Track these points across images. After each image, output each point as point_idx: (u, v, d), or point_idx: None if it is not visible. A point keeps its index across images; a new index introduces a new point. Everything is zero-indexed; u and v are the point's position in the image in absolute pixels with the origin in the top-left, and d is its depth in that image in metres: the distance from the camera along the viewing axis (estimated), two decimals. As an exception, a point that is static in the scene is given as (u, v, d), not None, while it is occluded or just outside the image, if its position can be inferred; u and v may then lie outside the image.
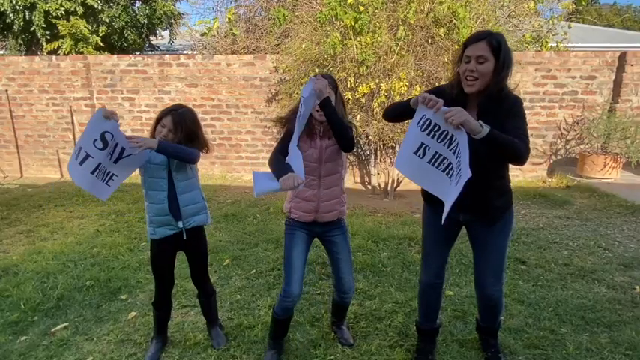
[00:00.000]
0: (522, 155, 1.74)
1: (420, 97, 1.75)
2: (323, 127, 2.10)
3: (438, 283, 2.21)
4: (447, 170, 1.78)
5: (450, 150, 1.74)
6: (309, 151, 2.09)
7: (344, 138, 2.02)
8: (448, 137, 1.73)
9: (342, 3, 5.14)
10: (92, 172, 2.00)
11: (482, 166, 1.77)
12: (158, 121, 2.19)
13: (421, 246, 2.28)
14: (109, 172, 2.07)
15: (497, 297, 2.10)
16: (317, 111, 2.03)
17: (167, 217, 2.21)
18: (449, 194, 1.75)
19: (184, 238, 2.27)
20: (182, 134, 2.16)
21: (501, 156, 1.80)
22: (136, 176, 2.25)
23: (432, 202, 2.11)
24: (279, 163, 1.99)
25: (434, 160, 1.81)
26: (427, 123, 1.76)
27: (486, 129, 1.65)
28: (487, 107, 1.85)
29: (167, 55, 7.33)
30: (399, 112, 2.06)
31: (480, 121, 1.67)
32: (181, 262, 2.51)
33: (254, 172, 2.09)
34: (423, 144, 1.80)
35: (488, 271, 2.07)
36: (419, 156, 1.82)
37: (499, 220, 2.01)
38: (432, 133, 1.77)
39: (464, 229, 2.17)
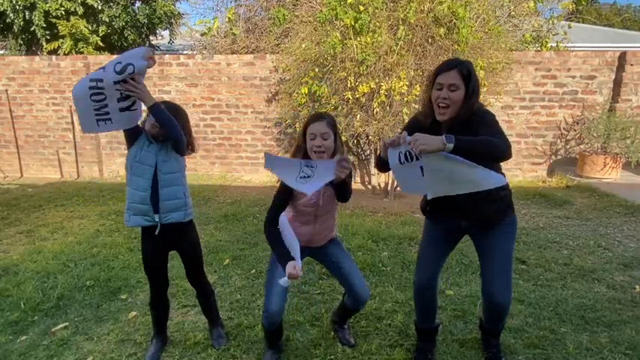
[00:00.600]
0: (501, 149, 1.70)
1: (386, 142, 1.77)
2: None
3: (430, 286, 2.19)
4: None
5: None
6: (305, 199, 2.06)
7: (346, 198, 2.07)
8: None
9: (342, 3, 5.14)
10: (89, 86, 1.91)
11: None
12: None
13: (419, 247, 2.28)
14: (107, 113, 2.01)
15: (507, 304, 2.06)
16: (315, 152, 1.99)
17: (146, 207, 2.16)
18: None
19: (156, 233, 2.19)
20: (176, 114, 2.16)
21: (480, 157, 1.72)
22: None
23: (430, 214, 2.12)
24: (277, 244, 2.02)
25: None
26: (406, 155, 1.76)
27: (450, 145, 1.63)
28: (458, 132, 1.83)
29: (167, 55, 7.34)
30: (382, 164, 2.01)
31: (443, 136, 1.64)
32: (181, 262, 2.50)
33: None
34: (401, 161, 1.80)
35: (495, 278, 2.03)
36: (403, 164, 1.80)
37: (497, 225, 2.00)
38: (414, 159, 1.77)
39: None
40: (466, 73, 1.81)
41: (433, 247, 2.18)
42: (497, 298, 2.04)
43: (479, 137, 1.70)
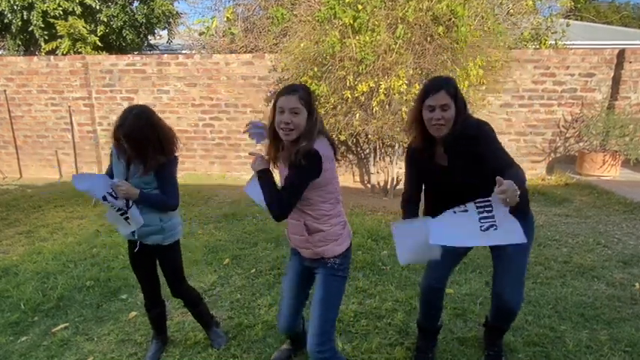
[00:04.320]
0: (524, 178, 1.78)
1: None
2: (282, 155, 1.84)
3: (438, 288, 2.19)
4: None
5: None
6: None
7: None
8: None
9: (340, 2, 5.13)
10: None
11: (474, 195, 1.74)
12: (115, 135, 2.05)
13: None
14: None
15: (517, 309, 2.07)
16: (282, 130, 1.74)
17: None
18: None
19: (135, 250, 2.20)
20: (142, 148, 2.00)
21: None
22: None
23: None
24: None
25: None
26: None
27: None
28: (454, 145, 1.90)
29: (166, 55, 7.33)
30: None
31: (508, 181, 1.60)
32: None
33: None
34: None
35: (507, 283, 2.03)
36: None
37: None
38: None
39: None
40: (453, 91, 1.85)
41: (445, 252, 2.08)
42: (509, 304, 2.04)
43: (514, 175, 1.68)
